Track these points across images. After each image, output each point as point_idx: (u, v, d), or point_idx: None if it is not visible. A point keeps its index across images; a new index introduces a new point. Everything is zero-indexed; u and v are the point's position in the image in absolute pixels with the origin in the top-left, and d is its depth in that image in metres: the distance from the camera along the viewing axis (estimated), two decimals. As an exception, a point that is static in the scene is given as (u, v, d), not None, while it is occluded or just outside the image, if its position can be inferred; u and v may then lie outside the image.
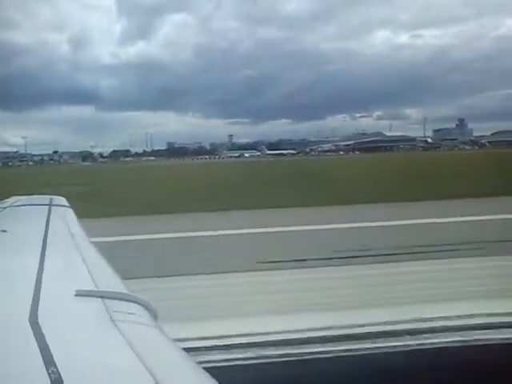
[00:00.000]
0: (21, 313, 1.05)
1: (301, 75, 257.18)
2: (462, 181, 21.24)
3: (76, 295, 1.16)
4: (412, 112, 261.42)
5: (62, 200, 3.12)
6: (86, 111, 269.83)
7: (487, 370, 2.33)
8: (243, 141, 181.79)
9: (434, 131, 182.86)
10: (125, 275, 1.46)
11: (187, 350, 1.16)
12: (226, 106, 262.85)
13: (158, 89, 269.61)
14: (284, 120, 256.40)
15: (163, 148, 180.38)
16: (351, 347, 2.42)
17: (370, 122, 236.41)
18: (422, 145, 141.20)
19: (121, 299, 1.18)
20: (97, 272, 1.40)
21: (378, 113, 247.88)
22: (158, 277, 6.58)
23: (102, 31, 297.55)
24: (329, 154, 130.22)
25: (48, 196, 3.20)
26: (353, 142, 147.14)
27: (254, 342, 2.40)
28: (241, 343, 2.40)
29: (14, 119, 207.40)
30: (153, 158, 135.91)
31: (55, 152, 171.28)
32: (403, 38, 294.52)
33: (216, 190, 20.83)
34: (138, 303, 1.18)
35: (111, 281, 1.37)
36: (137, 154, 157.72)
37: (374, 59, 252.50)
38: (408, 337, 2.50)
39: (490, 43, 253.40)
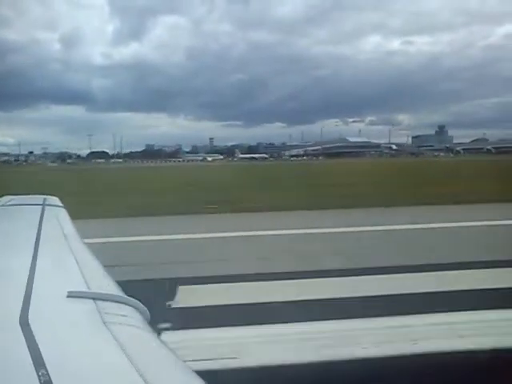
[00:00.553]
0: (11, 314, 1.04)
1: (293, 79, 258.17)
2: (380, 188, 20.43)
3: (68, 296, 1.16)
4: (404, 118, 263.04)
5: (56, 200, 3.12)
6: (78, 111, 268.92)
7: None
8: (223, 144, 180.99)
9: (413, 138, 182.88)
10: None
11: None
12: (218, 108, 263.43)
13: (151, 90, 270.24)
14: (278, 123, 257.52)
15: (142, 149, 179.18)
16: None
17: (362, 127, 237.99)
18: (387, 151, 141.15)
19: (112, 301, 1.18)
20: (89, 273, 1.39)
21: (370, 118, 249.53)
22: None
23: (94, 31, 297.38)
24: (295, 159, 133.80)
25: (42, 196, 3.17)
26: (320, 147, 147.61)
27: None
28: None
29: (5, 118, 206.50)
30: (121, 160, 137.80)
31: (30, 152, 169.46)
32: (395, 43, 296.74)
33: (117, 195, 19.57)
34: (130, 305, 1.19)
35: (104, 282, 1.37)
36: (112, 156, 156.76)
37: (366, 65, 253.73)
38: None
39: (480, 51, 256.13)
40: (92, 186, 26.70)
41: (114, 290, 1.29)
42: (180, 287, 5.62)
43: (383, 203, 14.07)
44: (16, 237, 2.02)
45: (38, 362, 0.81)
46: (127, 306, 1.18)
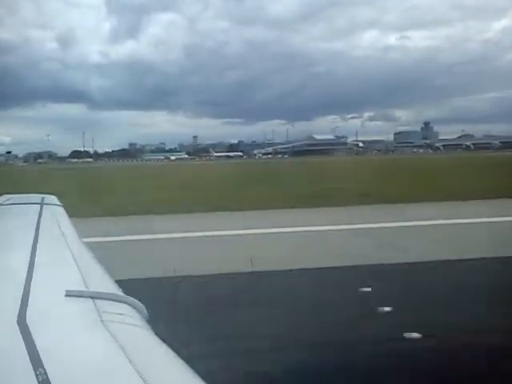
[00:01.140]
0: (9, 313, 1.03)
1: (292, 76, 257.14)
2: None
3: (66, 295, 1.15)
4: (402, 113, 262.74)
5: (54, 199, 3.10)
6: (76, 110, 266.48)
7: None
8: (210, 142, 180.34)
9: (395, 134, 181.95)
10: None
11: None
12: (218, 106, 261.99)
13: (149, 88, 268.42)
14: (277, 120, 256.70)
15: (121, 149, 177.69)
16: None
17: (360, 123, 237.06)
18: (355, 149, 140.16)
19: (111, 300, 1.17)
20: (87, 272, 1.38)
21: (368, 114, 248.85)
22: None
23: (91, 29, 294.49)
24: (265, 156, 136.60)
25: (40, 195, 3.15)
26: (291, 145, 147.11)
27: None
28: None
29: (1, 117, 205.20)
30: (90, 159, 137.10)
31: (8, 152, 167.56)
32: (392, 39, 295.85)
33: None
34: (128, 304, 1.18)
35: (102, 281, 1.36)
36: (92, 155, 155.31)
37: (364, 60, 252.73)
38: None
39: (477, 46, 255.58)
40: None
41: (112, 288, 1.29)
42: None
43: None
44: (14, 236, 2.01)
45: (36, 360, 0.81)
46: (125, 305, 1.17)
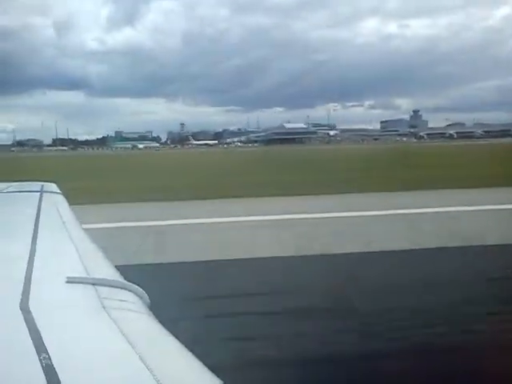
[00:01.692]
0: (12, 300, 1.04)
1: (292, 64, 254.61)
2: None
3: (67, 282, 1.15)
4: (403, 102, 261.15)
5: (54, 186, 3.08)
6: (75, 97, 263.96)
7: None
8: (196, 130, 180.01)
9: (381, 122, 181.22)
10: None
11: None
12: (218, 93, 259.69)
13: (148, 76, 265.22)
14: (277, 108, 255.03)
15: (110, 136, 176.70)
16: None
17: (361, 111, 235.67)
18: (326, 137, 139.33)
19: (112, 286, 1.17)
20: (88, 259, 1.39)
21: (369, 102, 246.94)
22: None
23: (90, 17, 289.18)
24: (237, 145, 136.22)
25: (40, 182, 3.14)
26: (263, 133, 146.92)
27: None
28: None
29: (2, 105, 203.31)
30: (65, 148, 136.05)
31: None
32: (393, 27, 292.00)
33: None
34: (130, 290, 1.18)
35: (103, 268, 1.36)
36: (68, 142, 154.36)
37: (365, 48, 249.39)
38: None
39: (478, 34, 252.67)
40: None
41: (113, 275, 1.28)
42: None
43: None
44: (15, 223, 2.00)
45: (40, 346, 0.81)
46: (127, 291, 1.17)
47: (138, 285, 1.22)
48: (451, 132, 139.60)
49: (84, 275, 1.22)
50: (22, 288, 1.09)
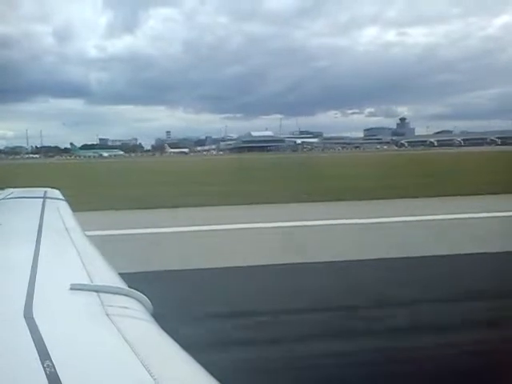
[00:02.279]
0: (15, 307, 1.03)
1: (292, 71, 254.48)
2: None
3: (71, 289, 1.15)
4: (403, 109, 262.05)
5: (57, 193, 3.06)
6: (77, 105, 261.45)
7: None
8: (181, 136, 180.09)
9: (365, 130, 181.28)
10: None
11: None
12: (218, 101, 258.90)
13: (149, 83, 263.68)
14: (277, 115, 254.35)
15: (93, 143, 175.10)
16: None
17: (361, 119, 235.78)
18: (293, 146, 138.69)
19: (115, 293, 1.16)
20: (92, 266, 1.38)
21: (369, 109, 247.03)
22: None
23: (91, 25, 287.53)
24: (205, 153, 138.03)
25: (42, 188, 3.12)
26: (233, 142, 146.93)
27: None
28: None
29: (3, 111, 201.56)
30: (37, 155, 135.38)
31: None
32: (392, 35, 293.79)
33: None
34: (133, 297, 1.18)
35: (106, 275, 1.36)
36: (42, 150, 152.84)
37: (365, 56, 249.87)
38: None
39: (477, 42, 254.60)
40: None
41: (116, 282, 1.28)
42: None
43: None
44: (18, 230, 1.97)
45: (43, 354, 0.81)
46: (130, 298, 1.16)
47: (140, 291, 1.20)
48: (432, 140, 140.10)
49: (87, 282, 1.21)
50: (25, 295, 1.08)
